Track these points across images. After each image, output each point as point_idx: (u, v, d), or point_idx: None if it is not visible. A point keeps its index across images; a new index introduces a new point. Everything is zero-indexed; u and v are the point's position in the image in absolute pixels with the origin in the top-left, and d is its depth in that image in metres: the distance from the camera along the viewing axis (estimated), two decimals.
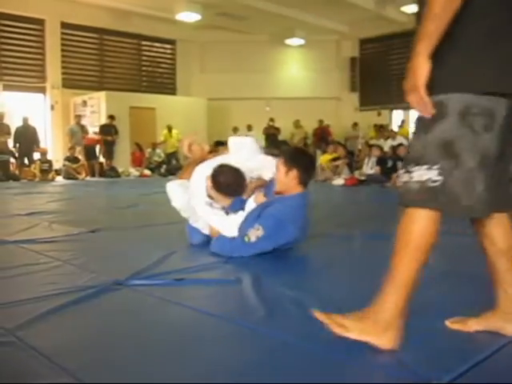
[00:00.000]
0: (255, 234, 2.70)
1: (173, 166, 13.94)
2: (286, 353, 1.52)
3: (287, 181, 2.80)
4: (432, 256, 2.88)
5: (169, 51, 16.35)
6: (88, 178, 12.22)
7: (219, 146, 16.58)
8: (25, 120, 11.99)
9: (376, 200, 6.74)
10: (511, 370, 1.43)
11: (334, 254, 2.92)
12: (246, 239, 2.72)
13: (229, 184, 2.97)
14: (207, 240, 3.07)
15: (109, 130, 12.99)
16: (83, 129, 12.89)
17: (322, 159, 11.27)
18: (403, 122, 14.62)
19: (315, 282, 2.33)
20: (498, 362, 1.45)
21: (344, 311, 1.86)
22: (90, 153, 12.78)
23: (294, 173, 2.78)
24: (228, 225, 2.89)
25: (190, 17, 13.71)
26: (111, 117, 12.95)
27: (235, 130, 15.49)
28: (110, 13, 14.08)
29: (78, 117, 13.11)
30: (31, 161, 11.84)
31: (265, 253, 2.83)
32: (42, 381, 1.33)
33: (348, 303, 1.98)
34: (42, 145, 12.63)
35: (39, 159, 11.72)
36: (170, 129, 14.00)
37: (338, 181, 9.91)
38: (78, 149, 12.51)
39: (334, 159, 10.98)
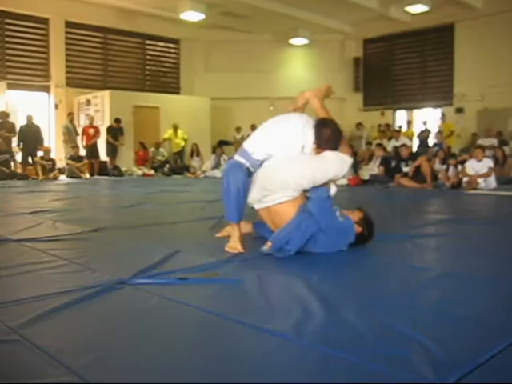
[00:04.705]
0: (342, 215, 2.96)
1: (178, 166, 13.96)
2: (287, 352, 1.52)
3: None
4: (431, 257, 2.87)
5: (173, 50, 16.37)
6: (96, 177, 12.26)
7: (223, 145, 16.48)
8: (29, 119, 12.01)
9: (379, 200, 6.73)
10: None
11: (337, 254, 2.91)
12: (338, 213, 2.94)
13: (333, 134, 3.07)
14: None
15: (115, 133, 13.02)
16: (74, 128, 12.92)
17: None
18: (409, 122, 14.60)
19: (318, 282, 2.33)
20: (501, 363, 1.44)
21: (349, 311, 1.86)
22: (93, 151, 12.83)
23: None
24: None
25: (194, 16, 13.71)
26: (117, 120, 12.96)
27: (238, 130, 15.50)
28: (114, 12, 14.11)
29: (71, 115, 13.10)
30: (35, 160, 11.87)
31: (268, 254, 2.83)
32: (46, 379, 1.33)
33: (351, 303, 1.97)
34: (46, 143, 12.66)
35: (41, 157, 11.73)
36: (175, 128, 14.01)
37: (341, 180, 9.88)
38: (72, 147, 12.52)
39: None
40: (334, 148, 3.06)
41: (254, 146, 3.12)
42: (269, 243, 2.86)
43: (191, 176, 13.08)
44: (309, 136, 3.04)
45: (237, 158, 3.15)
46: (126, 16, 14.34)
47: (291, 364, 1.44)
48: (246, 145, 3.17)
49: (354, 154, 12.06)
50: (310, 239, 2.83)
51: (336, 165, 3.02)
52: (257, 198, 3.05)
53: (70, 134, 12.76)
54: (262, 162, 3.08)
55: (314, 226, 2.81)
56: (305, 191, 3.02)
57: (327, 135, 3.02)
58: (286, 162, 3.01)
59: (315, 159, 3.04)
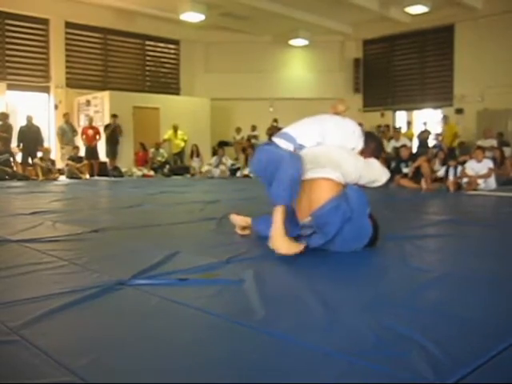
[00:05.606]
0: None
1: (178, 166, 13.97)
2: (288, 353, 1.52)
3: None
4: (431, 258, 2.86)
5: (173, 51, 16.38)
6: (95, 178, 12.26)
7: (223, 145, 16.54)
8: (29, 119, 12.01)
9: (379, 201, 6.73)
10: None
11: (337, 255, 2.91)
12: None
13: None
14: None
15: (113, 131, 13.03)
16: (73, 128, 12.91)
17: None
18: (409, 123, 14.60)
19: (318, 282, 2.33)
20: (501, 363, 1.44)
21: (349, 312, 1.86)
22: (93, 152, 12.83)
23: None
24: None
25: (194, 17, 13.73)
26: (114, 116, 12.98)
27: (238, 131, 15.50)
28: (114, 13, 14.12)
29: (67, 115, 13.08)
30: (34, 160, 11.86)
31: (268, 254, 2.83)
32: (45, 379, 1.33)
33: (352, 304, 1.97)
34: (46, 144, 12.67)
35: (40, 158, 11.73)
36: (175, 129, 14.01)
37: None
38: (69, 148, 12.50)
39: None
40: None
41: (302, 132, 3.23)
42: (309, 217, 2.97)
43: (196, 173, 13.18)
44: (359, 142, 3.31)
45: (277, 140, 3.20)
46: (125, 17, 14.35)
47: (291, 365, 1.44)
48: (289, 130, 3.27)
49: None
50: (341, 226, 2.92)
51: (379, 172, 3.33)
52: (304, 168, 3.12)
53: (64, 135, 12.74)
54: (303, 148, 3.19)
55: (349, 212, 2.90)
56: (344, 186, 3.08)
57: (374, 147, 3.42)
58: (344, 150, 3.20)
59: (365, 160, 3.29)
